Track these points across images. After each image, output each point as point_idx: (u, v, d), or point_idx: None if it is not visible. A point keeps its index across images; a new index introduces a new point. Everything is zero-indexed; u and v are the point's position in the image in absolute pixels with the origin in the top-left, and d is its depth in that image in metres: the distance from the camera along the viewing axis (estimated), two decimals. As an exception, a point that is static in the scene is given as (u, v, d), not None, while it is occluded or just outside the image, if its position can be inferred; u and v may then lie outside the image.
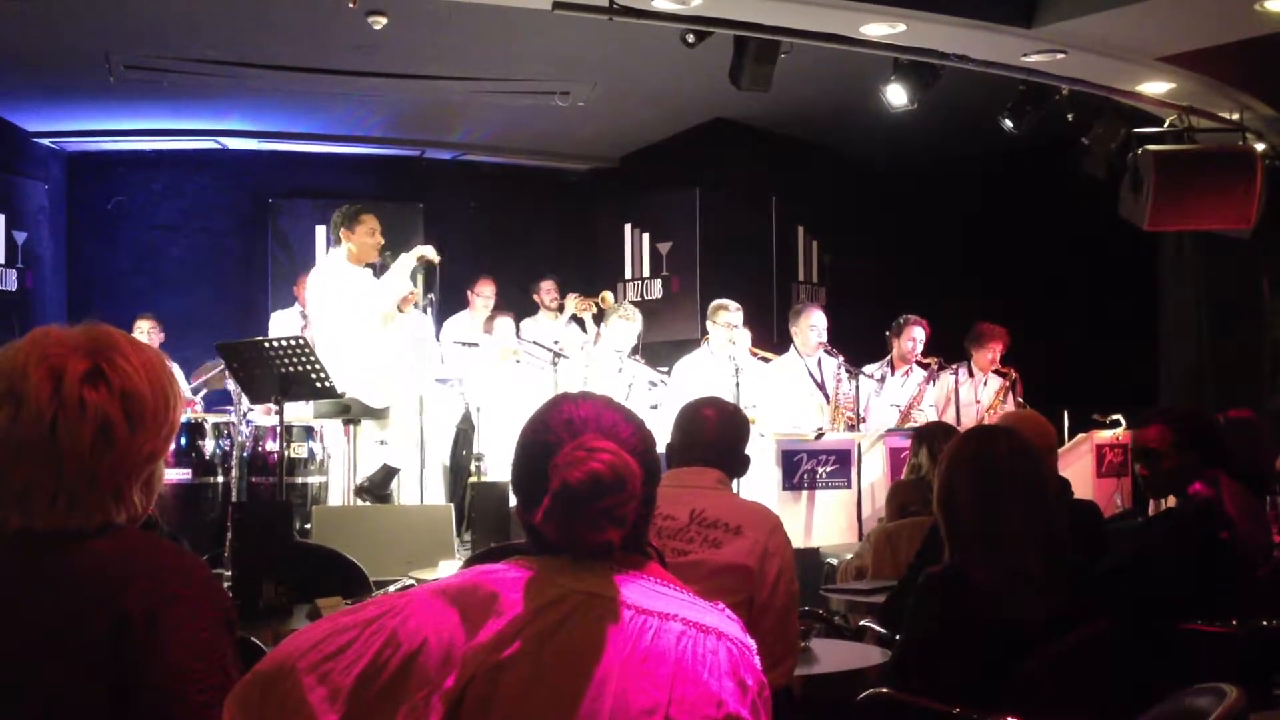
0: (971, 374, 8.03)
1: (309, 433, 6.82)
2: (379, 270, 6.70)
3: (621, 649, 1.47)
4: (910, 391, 7.88)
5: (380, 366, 6.39)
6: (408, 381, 6.49)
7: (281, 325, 8.45)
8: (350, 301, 6.43)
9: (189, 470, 6.53)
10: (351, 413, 6.29)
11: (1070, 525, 3.38)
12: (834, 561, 5.84)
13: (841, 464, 6.94)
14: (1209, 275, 8.66)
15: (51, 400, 1.61)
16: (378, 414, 6.39)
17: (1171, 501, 4.08)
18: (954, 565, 2.83)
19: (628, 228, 10.39)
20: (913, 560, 3.92)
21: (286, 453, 6.34)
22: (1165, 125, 7.51)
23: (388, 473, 6.51)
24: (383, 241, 6.59)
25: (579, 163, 10.82)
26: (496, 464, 7.17)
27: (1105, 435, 7.69)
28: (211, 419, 6.87)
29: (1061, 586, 2.73)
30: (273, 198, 10.09)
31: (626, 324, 7.75)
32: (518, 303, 8.89)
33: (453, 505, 6.34)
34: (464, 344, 8.13)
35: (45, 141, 9.43)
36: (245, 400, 6.47)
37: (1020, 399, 7.79)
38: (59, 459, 1.61)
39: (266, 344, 5.86)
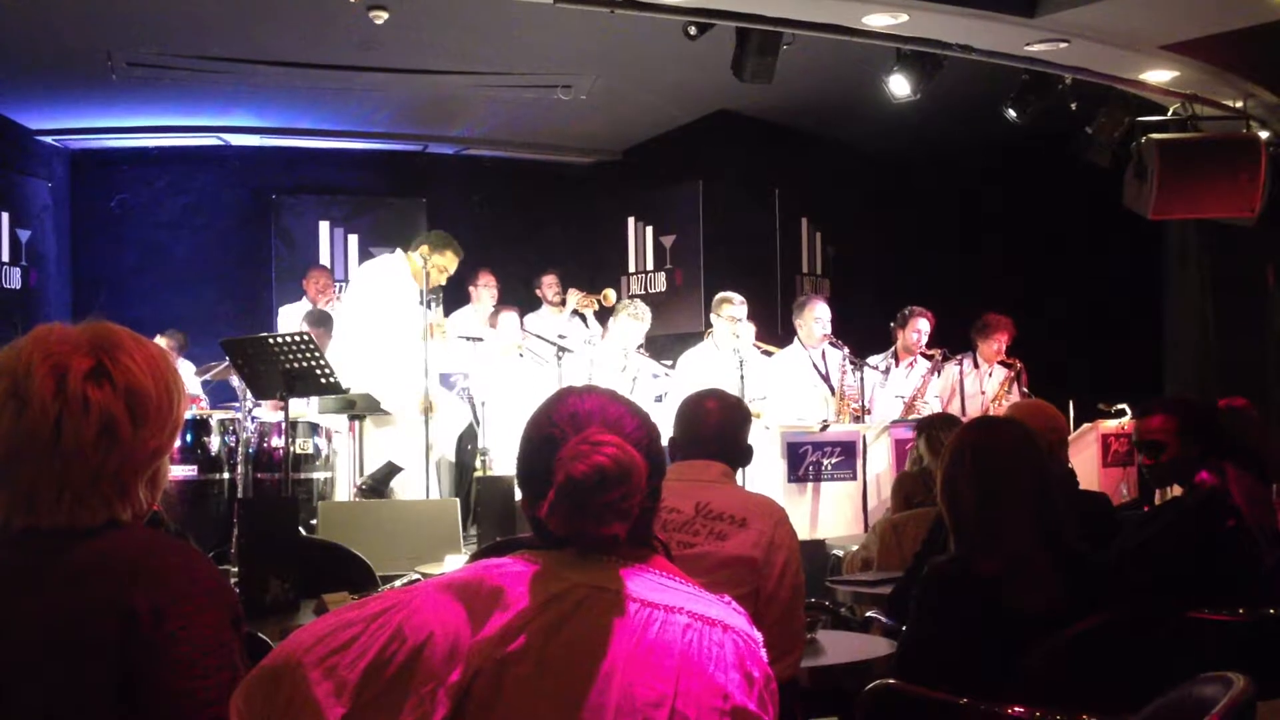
0: (977, 365, 8.02)
1: (314, 428, 6.82)
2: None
3: (627, 642, 1.47)
4: (915, 383, 7.87)
5: (394, 371, 6.42)
6: (416, 381, 6.51)
7: (290, 319, 8.48)
8: (391, 306, 6.49)
9: (195, 467, 6.52)
10: (357, 408, 6.30)
11: (1081, 516, 3.39)
12: (840, 553, 5.83)
13: (847, 455, 6.93)
14: (1214, 263, 8.64)
15: (55, 398, 1.61)
16: (383, 410, 6.41)
17: (1177, 490, 4.07)
18: (958, 556, 2.83)
19: (631, 221, 10.38)
20: (919, 551, 3.92)
21: (292, 448, 6.35)
22: (1169, 113, 7.50)
23: (390, 470, 6.52)
24: (441, 284, 6.71)
25: (582, 156, 10.81)
26: (501, 458, 7.17)
27: (1110, 425, 7.68)
28: (217, 415, 6.88)
29: (1064, 576, 2.73)
30: (276, 194, 10.09)
31: (635, 323, 7.75)
32: (521, 297, 8.89)
33: (458, 500, 6.35)
34: (468, 338, 8.14)
35: (48, 139, 9.45)
36: (250, 396, 6.48)
37: (1025, 389, 7.77)
38: (63, 457, 1.61)
39: (271, 340, 5.87)
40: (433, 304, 6.76)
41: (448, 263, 6.66)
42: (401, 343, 6.51)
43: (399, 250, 6.87)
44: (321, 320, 7.52)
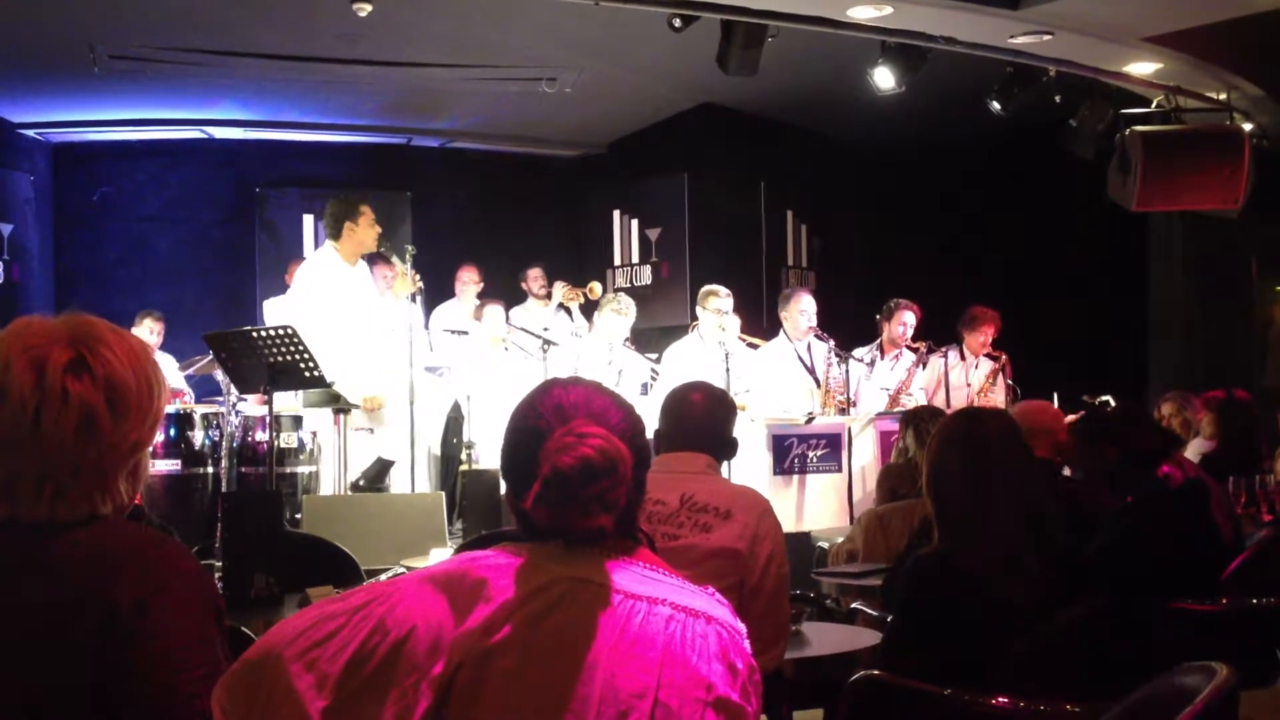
0: (963, 357, 8.04)
1: (298, 422, 6.79)
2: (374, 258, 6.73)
3: (611, 634, 1.46)
4: (900, 375, 7.88)
5: (365, 363, 6.39)
6: (396, 373, 6.48)
7: (275, 312, 8.44)
8: (339, 299, 6.43)
9: (178, 461, 6.48)
10: (341, 402, 6.28)
11: (1063, 505, 3.39)
12: (825, 545, 5.84)
13: (832, 448, 6.94)
14: (1197, 255, 8.68)
15: (35, 391, 1.60)
16: (358, 405, 6.39)
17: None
18: (943, 547, 2.83)
19: (617, 214, 10.37)
20: (909, 541, 3.93)
21: (276, 442, 6.32)
22: (1153, 106, 7.53)
23: (382, 466, 6.50)
24: (380, 230, 6.61)
25: (567, 149, 10.80)
26: (487, 451, 7.16)
27: (1095, 417, 7.68)
28: (200, 409, 6.84)
29: (1050, 567, 2.73)
30: (259, 187, 10.05)
31: (620, 318, 7.74)
32: (507, 291, 8.87)
33: (443, 493, 6.33)
34: (453, 332, 8.13)
35: (30, 133, 9.39)
36: (234, 390, 6.45)
37: (1010, 381, 7.80)
38: (43, 450, 1.61)
39: (255, 334, 5.84)
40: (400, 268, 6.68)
41: (369, 219, 6.52)
42: (360, 334, 6.47)
43: (326, 243, 6.79)
44: None
